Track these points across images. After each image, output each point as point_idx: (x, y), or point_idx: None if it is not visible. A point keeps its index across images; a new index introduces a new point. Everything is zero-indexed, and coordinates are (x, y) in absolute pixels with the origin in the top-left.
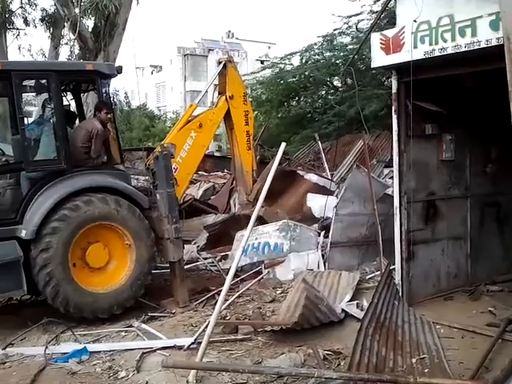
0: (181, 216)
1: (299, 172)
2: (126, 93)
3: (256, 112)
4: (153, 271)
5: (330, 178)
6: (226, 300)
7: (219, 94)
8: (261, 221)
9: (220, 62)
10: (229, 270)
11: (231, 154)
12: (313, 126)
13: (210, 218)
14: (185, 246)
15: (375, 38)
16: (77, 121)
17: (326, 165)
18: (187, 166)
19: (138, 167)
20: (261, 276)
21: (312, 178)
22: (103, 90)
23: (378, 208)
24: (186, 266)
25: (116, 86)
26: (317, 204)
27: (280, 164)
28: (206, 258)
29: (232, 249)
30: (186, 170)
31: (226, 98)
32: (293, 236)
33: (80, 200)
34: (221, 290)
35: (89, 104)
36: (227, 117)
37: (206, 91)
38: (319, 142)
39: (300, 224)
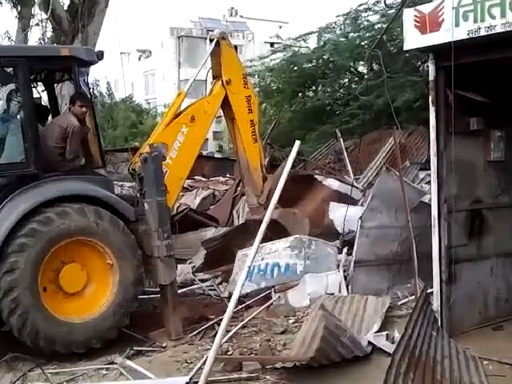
0: (173, 230)
1: (316, 177)
2: (108, 83)
3: (265, 104)
4: (140, 296)
5: (353, 183)
6: (228, 331)
7: (214, 78)
8: (275, 226)
9: (211, 40)
10: (230, 295)
11: (234, 150)
12: (333, 120)
13: (209, 232)
14: (178, 265)
15: (408, 15)
16: (49, 117)
17: (349, 167)
18: (179, 168)
19: (123, 171)
20: (270, 302)
21: (332, 183)
22: (81, 80)
23: (413, 219)
24: (179, 290)
25: (96, 74)
26: (341, 216)
27: (293, 167)
28: (203, 281)
29: (233, 272)
30: (178, 174)
31: (223, 83)
32: (307, 254)
33: (52, 211)
34: (221, 319)
35: (64, 96)
36: (226, 105)
37: (205, 79)
38: (341, 140)
39: (316, 239)
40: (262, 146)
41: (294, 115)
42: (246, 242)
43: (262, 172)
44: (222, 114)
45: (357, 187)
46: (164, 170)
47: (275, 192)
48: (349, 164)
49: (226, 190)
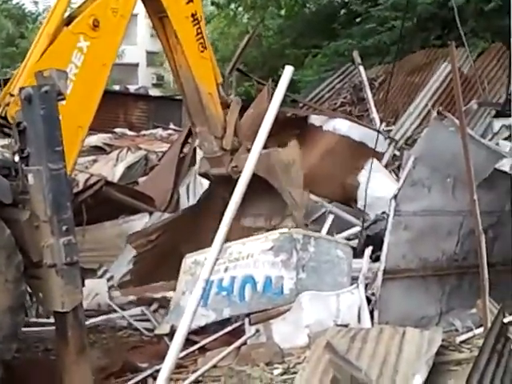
0: (78, 219)
1: (311, 117)
2: None
3: (233, 5)
4: (21, 332)
5: (375, 127)
6: None
7: None
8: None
9: None
10: (173, 330)
11: (171, 69)
12: (350, 32)
13: (140, 222)
14: (86, 280)
15: None
16: None
17: (374, 112)
18: (77, 110)
19: None
20: (241, 341)
21: (338, 126)
22: None
23: (482, 199)
24: (88, 322)
25: None
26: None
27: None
28: (127, 306)
29: (177, 290)
30: (76, 120)
31: None
32: (302, 261)
33: None
34: (159, 370)
35: None
36: None
37: None
38: (361, 68)
39: (316, 235)
40: (214, 56)
41: (286, 24)
42: (206, 237)
43: (220, 97)
44: (146, 11)
45: (381, 133)
46: None
47: (260, 133)
48: (373, 106)
49: (164, 152)
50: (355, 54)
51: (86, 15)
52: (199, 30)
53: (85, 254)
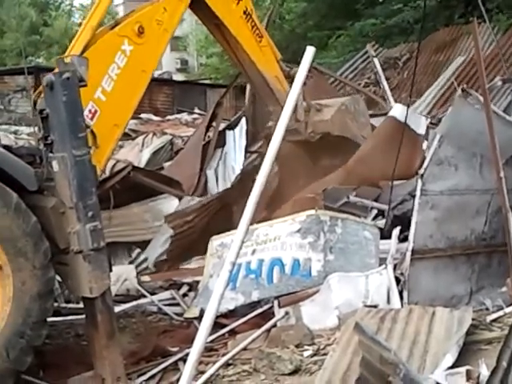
0: (106, 205)
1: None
2: None
3: None
4: (50, 319)
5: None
6: (202, 373)
7: None
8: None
9: None
10: (203, 314)
11: (236, 65)
12: (374, 13)
13: (168, 205)
14: (114, 266)
15: None
16: None
17: (388, 92)
18: (116, 109)
19: (17, 108)
20: (271, 323)
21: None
22: None
23: (510, 177)
24: (118, 308)
25: None
26: None
27: None
28: (153, 291)
29: (204, 274)
30: (114, 119)
31: None
32: (330, 242)
33: None
34: (188, 354)
35: None
36: (198, 4)
37: None
38: (375, 61)
39: (343, 216)
40: (269, 39)
41: (309, 6)
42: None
43: (282, 71)
44: (200, 20)
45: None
46: (92, 110)
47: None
48: (387, 87)
49: (190, 136)
50: (369, 46)
51: (132, 21)
52: (253, 23)
53: (114, 233)
